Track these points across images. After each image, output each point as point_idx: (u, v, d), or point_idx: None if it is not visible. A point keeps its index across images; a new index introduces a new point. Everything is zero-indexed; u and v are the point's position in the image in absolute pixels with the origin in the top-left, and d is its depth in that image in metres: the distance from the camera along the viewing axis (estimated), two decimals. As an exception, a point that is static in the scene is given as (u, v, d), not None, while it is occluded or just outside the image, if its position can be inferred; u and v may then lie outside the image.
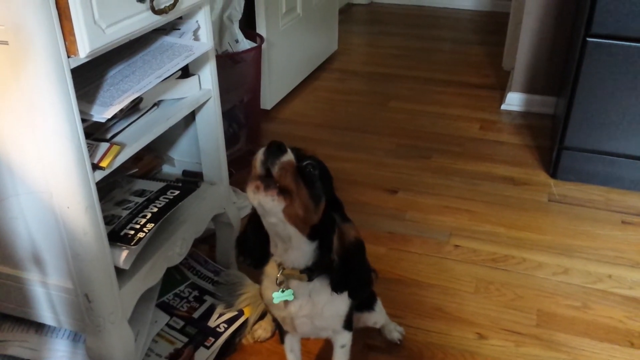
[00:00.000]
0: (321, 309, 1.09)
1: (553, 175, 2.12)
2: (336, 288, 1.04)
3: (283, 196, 0.91)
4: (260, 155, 0.91)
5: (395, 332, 1.44)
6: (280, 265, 1.05)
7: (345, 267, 1.02)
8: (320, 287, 1.07)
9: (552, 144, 2.18)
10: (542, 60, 2.54)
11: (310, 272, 1.04)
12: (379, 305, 1.37)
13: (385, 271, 1.67)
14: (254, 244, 1.08)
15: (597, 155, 2.03)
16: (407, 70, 3.15)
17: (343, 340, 1.21)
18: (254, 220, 1.05)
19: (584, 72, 1.91)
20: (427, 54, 3.41)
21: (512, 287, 1.62)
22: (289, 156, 0.92)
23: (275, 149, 0.91)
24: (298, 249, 1.01)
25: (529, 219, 1.91)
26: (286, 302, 1.08)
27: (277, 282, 1.05)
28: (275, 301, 1.08)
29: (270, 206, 0.91)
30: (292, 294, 1.06)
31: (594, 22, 1.82)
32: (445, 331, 1.48)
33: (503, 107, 2.68)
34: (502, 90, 2.84)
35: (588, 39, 1.86)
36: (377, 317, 1.37)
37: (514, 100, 2.65)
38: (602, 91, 1.92)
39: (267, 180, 0.90)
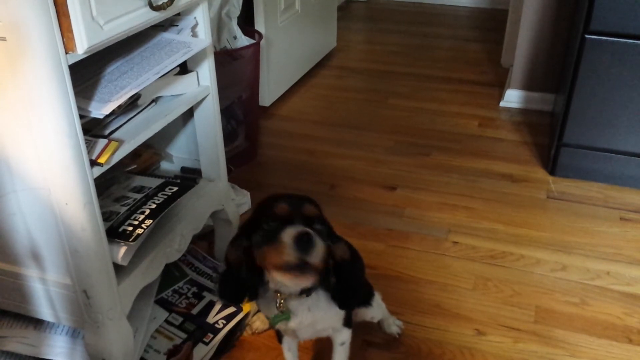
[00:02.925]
0: (322, 315, 1.10)
1: (551, 172, 2.13)
2: (335, 300, 1.08)
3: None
4: (291, 248, 0.92)
5: (394, 326, 1.45)
6: (277, 292, 1.04)
7: (339, 284, 1.05)
8: (318, 299, 1.07)
9: (551, 141, 2.18)
10: (541, 57, 2.54)
11: (308, 291, 1.05)
12: (376, 301, 1.37)
13: (383, 268, 1.67)
14: (249, 282, 1.04)
15: (596, 152, 2.03)
16: (406, 68, 3.15)
17: (343, 338, 1.21)
18: (245, 260, 1.02)
19: (583, 69, 1.91)
20: (426, 51, 3.41)
21: (510, 283, 1.62)
22: (320, 246, 0.93)
23: (307, 243, 0.92)
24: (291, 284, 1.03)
25: (527, 215, 1.91)
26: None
27: (277, 306, 1.05)
28: (274, 323, 1.08)
29: (306, 285, 0.99)
30: (290, 316, 1.06)
31: (593, 19, 1.82)
32: (443, 327, 1.48)
33: (502, 104, 2.68)
34: (500, 87, 2.84)
35: (586, 35, 1.86)
36: (375, 312, 1.37)
37: (512, 97, 2.66)
38: (600, 88, 1.92)
39: (303, 267, 0.93)
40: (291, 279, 0.96)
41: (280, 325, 1.11)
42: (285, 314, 1.06)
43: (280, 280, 0.98)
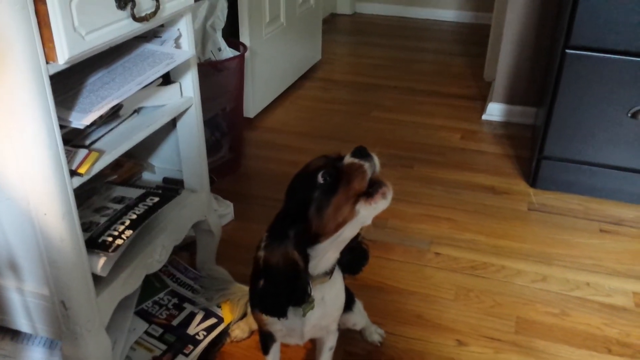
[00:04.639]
0: (330, 306, 1.10)
1: (532, 184, 2.15)
2: (347, 269, 1.10)
3: None
4: (367, 166, 0.94)
5: (375, 334, 1.46)
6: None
7: (350, 250, 1.06)
8: (331, 284, 1.07)
9: (532, 154, 2.21)
10: (523, 72, 2.57)
11: (332, 270, 1.05)
12: (357, 307, 1.38)
13: (366, 278, 1.67)
14: (301, 280, 0.98)
15: (576, 164, 2.06)
16: (390, 81, 3.18)
17: (332, 342, 1.22)
18: (288, 269, 0.96)
19: (563, 83, 1.94)
20: (410, 64, 3.44)
21: (491, 294, 1.63)
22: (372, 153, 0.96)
23: (367, 153, 0.96)
24: (345, 243, 1.01)
25: (508, 227, 1.93)
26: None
27: (310, 296, 1.01)
28: (305, 313, 1.05)
29: (388, 202, 0.95)
30: (314, 304, 1.05)
31: (573, 34, 1.85)
32: (425, 338, 1.49)
33: (484, 117, 2.71)
34: (483, 100, 2.87)
35: (567, 50, 1.89)
36: (356, 318, 1.38)
37: (494, 111, 2.69)
38: (581, 102, 1.95)
39: (380, 182, 0.95)
40: (384, 198, 0.93)
41: (289, 325, 1.09)
42: (312, 303, 1.04)
43: (371, 211, 0.93)
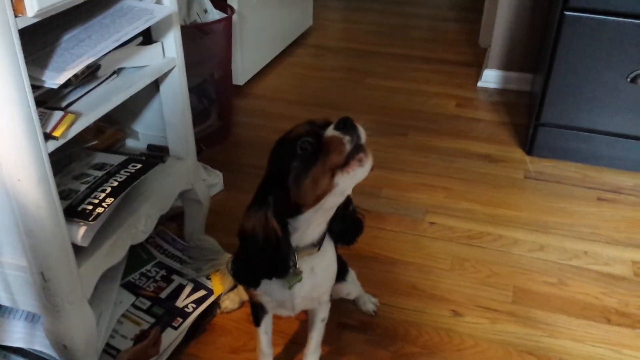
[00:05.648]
0: (321, 277, 1.07)
1: (529, 152, 2.10)
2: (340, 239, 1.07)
3: None
4: (347, 139, 0.88)
5: (369, 303, 1.43)
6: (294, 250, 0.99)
7: (342, 220, 1.03)
8: (321, 256, 1.03)
9: (528, 121, 2.16)
10: (519, 37, 2.50)
11: (319, 243, 1.01)
12: (350, 277, 1.35)
13: (360, 249, 1.63)
14: (282, 247, 0.94)
15: (574, 131, 2.01)
16: (384, 47, 3.10)
17: (324, 313, 1.19)
18: (264, 236, 0.93)
19: (562, 47, 1.88)
20: (404, 30, 3.35)
21: (487, 264, 1.60)
22: (358, 125, 0.90)
23: (351, 125, 0.89)
24: (331, 213, 0.97)
25: (505, 195, 1.89)
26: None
27: (294, 265, 0.98)
28: (291, 286, 1.02)
29: (368, 170, 0.89)
30: (302, 277, 1.02)
31: (572, -5, 1.79)
32: (420, 308, 1.45)
33: (479, 84, 2.64)
34: (478, 67, 2.80)
35: (566, 12, 1.82)
36: (350, 287, 1.35)
37: (490, 78, 2.62)
38: (579, 67, 1.89)
39: (361, 147, 0.89)
40: (360, 166, 0.88)
41: (279, 296, 1.06)
42: (299, 276, 1.01)
43: (349, 179, 0.89)
